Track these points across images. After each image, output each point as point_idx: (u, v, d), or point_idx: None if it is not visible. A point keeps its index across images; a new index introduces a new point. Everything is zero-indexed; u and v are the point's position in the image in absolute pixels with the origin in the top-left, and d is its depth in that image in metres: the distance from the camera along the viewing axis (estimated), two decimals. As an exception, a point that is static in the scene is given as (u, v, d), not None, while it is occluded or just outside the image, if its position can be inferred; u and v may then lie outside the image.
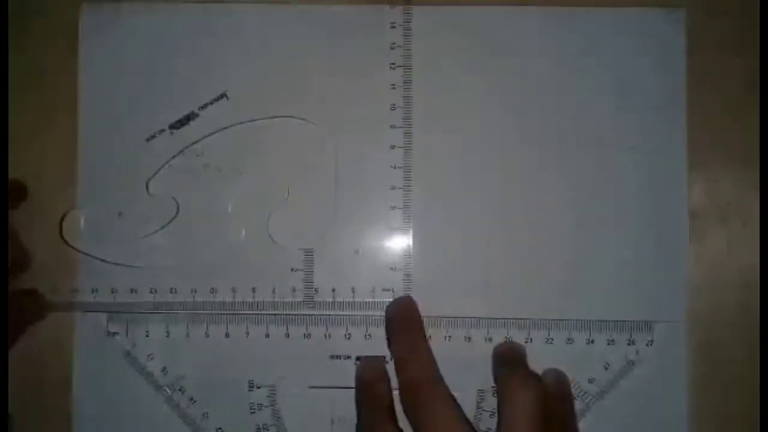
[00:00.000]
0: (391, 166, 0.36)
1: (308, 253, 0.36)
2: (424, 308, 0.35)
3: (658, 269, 0.36)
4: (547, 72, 0.37)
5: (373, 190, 0.36)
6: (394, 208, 0.36)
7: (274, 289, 0.36)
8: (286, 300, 0.36)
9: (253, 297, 0.36)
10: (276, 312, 0.36)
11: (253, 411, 0.36)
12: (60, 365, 0.37)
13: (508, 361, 0.34)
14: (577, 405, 0.35)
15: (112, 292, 0.36)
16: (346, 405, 0.35)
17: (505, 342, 0.36)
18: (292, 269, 0.36)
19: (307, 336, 0.36)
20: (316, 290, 0.36)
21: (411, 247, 0.36)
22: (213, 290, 0.36)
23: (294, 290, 0.36)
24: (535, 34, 0.37)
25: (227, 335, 0.36)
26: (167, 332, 0.36)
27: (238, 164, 0.36)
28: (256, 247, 0.36)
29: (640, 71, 0.36)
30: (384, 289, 0.36)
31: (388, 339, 0.35)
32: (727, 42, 0.36)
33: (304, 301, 0.36)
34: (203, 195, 0.36)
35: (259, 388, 0.36)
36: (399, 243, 0.36)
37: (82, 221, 0.36)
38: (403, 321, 0.35)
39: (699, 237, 0.36)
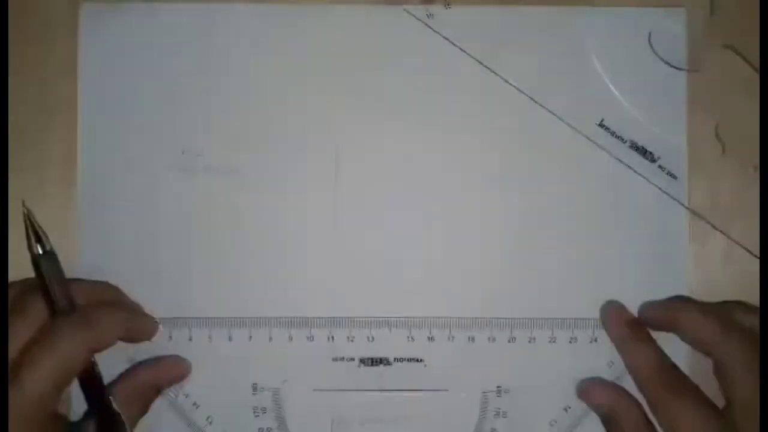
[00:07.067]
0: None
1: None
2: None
3: (658, 271, 0.36)
4: (546, 71, 0.37)
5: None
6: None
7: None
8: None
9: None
10: (278, 316, 0.36)
11: (257, 414, 0.36)
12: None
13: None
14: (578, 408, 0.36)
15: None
16: (348, 407, 0.36)
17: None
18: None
19: (310, 338, 0.36)
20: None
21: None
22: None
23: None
24: (535, 33, 0.37)
25: (230, 338, 0.36)
26: (170, 336, 0.36)
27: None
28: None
29: (640, 70, 0.37)
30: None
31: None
32: (727, 41, 0.37)
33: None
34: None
35: (263, 391, 0.36)
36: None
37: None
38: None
39: (699, 238, 0.36)
